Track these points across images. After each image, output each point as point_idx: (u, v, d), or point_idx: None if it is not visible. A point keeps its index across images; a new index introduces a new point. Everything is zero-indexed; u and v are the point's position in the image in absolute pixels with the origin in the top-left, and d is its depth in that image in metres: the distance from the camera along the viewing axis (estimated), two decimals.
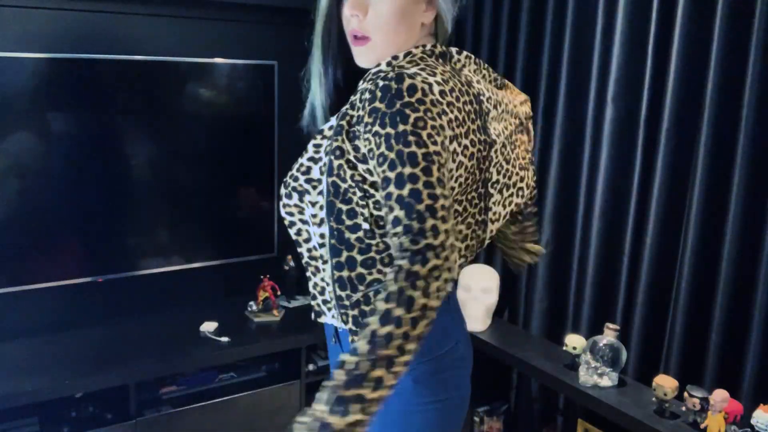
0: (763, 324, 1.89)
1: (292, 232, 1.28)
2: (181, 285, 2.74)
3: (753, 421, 1.80)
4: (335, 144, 1.16)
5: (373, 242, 1.17)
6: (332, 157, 1.16)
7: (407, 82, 1.09)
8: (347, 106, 1.18)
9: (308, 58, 1.30)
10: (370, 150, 1.11)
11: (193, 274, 2.71)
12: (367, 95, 1.11)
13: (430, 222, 1.03)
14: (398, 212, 1.05)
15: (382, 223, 1.16)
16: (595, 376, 2.14)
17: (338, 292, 1.21)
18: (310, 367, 2.62)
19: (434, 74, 1.16)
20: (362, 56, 1.22)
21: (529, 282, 2.64)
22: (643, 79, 2.16)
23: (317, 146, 1.21)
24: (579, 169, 2.40)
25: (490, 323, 2.64)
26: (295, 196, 1.24)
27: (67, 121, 2.36)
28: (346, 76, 1.28)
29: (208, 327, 2.51)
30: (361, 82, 1.23)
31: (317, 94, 1.29)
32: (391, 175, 1.06)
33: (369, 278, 1.18)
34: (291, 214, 1.27)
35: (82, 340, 2.41)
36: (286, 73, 2.73)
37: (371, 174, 1.14)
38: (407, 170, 1.05)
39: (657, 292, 2.18)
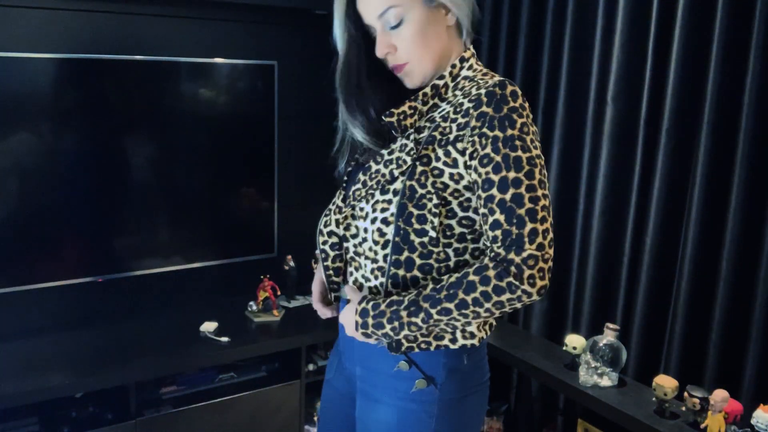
0: (763, 324, 1.89)
1: (341, 227, 1.34)
2: (181, 285, 2.74)
3: (753, 421, 1.80)
4: (424, 152, 1.21)
5: (436, 250, 1.22)
6: (417, 163, 1.21)
7: (510, 88, 1.16)
8: (436, 121, 1.23)
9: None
10: (474, 151, 1.16)
11: (193, 274, 2.71)
12: (468, 104, 1.18)
13: (529, 226, 1.12)
14: (498, 215, 1.14)
15: (449, 233, 1.22)
16: (595, 376, 2.14)
17: (389, 288, 1.25)
18: (310, 367, 2.62)
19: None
20: (407, 79, 1.28)
21: None
22: (643, 79, 2.16)
23: (391, 153, 1.25)
24: (579, 169, 2.40)
25: None
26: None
27: (66, 121, 2.36)
28: (378, 110, 1.30)
29: (208, 327, 2.51)
30: (432, 96, 1.26)
31: (355, 134, 1.31)
32: (495, 177, 1.14)
33: (423, 282, 1.23)
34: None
35: (82, 340, 2.41)
36: (286, 73, 2.74)
37: (456, 181, 1.19)
38: (511, 174, 1.13)
39: (657, 292, 2.18)
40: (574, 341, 2.25)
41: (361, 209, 1.28)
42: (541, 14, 2.50)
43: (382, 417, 1.31)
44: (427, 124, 1.25)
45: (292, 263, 2.79)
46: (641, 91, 2.17)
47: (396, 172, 1.23)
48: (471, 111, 1.17)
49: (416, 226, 1.21)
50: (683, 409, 1.94)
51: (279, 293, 2.72)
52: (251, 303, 2.68)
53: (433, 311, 1.16)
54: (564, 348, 2.28)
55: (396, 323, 1.19)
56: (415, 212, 1.21)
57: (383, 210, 1.24)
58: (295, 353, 2.55)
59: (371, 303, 1.23)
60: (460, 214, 1.22)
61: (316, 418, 2.69)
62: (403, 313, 1.18)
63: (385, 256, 1.24)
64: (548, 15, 2.47)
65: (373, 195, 1.26)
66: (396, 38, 1.23)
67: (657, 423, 1.94)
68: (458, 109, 1.21)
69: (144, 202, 2.55)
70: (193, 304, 2.74)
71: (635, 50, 2.19)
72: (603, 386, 2.13)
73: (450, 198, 1.21)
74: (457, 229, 1.22)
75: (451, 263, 1.23)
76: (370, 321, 1.21)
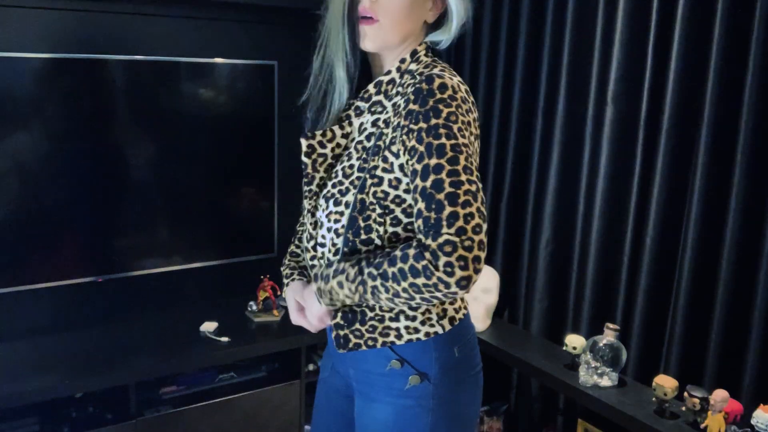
0: (763, 324, 1.89)
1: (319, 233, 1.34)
2: (181, 285, 2.74)
3: (753, 421, 1.80)
4: (372, 163, 1.21)
5: (377, 252, 1.23)
6: (367, 176, 1.22)
7: (437, 81, 1.15)
8: (381, 126, 1.23)
9: (317, 50, 1.30)
10: (404, 148, 1.16)
11: (193, 274, 2.71)
12: (402, 103, 1.18)
13: (447, 210, 1.09)
14: (420, 204, 1.13)
15: (394, 240, 1.22)
16: (595, 376, 2.14)
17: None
18: (310, 367, 2.62)
19: (454, 76, 1.20)
20: (368, 38, 1.24)
21: (529, 282, 2.63)
22: (643, 79, 2.16)
23: (351, 166, 1.26)
24: (579, 169, 2.40)
25: (490, 323, 2.64)
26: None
27: (66, 120, 2.36)
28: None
29: (208, 327, 2.51)
30: (375, 93, 1.26)
31: (339, 70, 1.28)
32: (419, 166, 1.13)
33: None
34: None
35: (82, 340, 2.41)
36: (286, 73, 2.73)
37: (395, 187, 1.20)
38: (433, 161, 1.12)
39: (657, 292, 2.18)
40: (574, 341, 2.25)
41: (320, 217, 1.31)
42: (541, 14, 2.50)
43: (379, 415, 1.32)
44: (374, 131, 1.25)
45: None
46: (641, 91, 2.17)
47: (346, 182, 1.25)
48: (402, 110, 1.18)
49: (363, 236, 1.23)
50: (683, 409, 1.94)
51: (279, 293, 2.71)
52: (251, 303, 2.68)
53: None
54: (564, 348, 2.28)
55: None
56: (363, 224, 1.23)
57: (336, 221, 1.26)
58: (295, 353, 2.55)
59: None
60: (405, 220, 1.22)
61: None
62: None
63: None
64: (548, 15, 2.46)
65: (327, 205, 1.28)
66: None
67: (657, 423, 1.94)
68: (396, 111, 1.21)
69: (144, 202, 2.55)
70: (193, 304, 2.74)
71: (635, 50, 2.19)
72: (603, 386, 2.13)
73: (392, 206, 1.21)
74: (403, 235, 1.23)
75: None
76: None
